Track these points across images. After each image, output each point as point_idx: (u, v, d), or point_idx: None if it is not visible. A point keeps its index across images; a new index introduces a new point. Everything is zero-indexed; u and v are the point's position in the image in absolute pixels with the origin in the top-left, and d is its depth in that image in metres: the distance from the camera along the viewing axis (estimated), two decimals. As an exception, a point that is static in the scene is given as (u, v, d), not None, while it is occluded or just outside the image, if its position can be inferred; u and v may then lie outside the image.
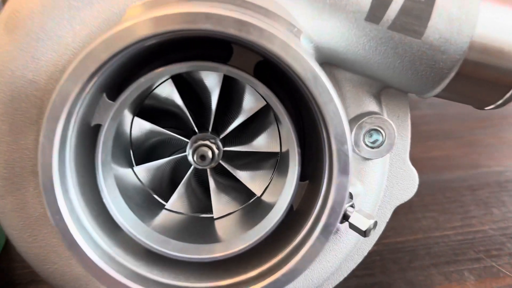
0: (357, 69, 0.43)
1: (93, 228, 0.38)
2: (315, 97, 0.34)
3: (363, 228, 0.40)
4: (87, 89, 0.35)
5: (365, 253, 0.50)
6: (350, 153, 0.35)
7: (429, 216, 0.67)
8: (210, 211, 0.46)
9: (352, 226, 0.41)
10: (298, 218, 0.40)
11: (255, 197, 0.47)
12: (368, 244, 0.50)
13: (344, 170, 0.35)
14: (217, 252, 0.38)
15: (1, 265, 0.61)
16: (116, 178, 0.40)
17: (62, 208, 0.35)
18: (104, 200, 0.38)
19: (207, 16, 0.33)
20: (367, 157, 0.45)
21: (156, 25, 0.33)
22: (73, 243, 0.35)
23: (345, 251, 0.46)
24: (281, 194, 0.40)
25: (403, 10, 0.37)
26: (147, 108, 0.45)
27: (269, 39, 0.33)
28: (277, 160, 0.47)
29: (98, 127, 0.39)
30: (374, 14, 0.38)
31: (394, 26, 0.38)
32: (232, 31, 0.33)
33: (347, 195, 0.36)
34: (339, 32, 0.39)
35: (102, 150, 0.37)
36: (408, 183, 0.49)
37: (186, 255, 0.38)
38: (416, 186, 0.50)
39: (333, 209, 0.36)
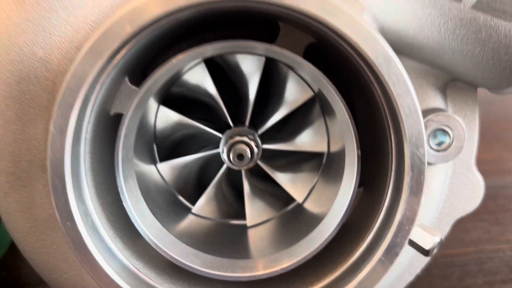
0: (425, 57, 0.36)
1: (110, 236, 0.32)
2: (387, 87, 0.28)
3: (427, 247, 0.34)
4: (107, 71, 0.29)
5: (418, 272, 0.43)
6: (426, 159, 0.29)
7: (480, 226, 0.60)
8: (242, 217, 0.40)
9: (412, 244, 0.34)
10: (350, 233, 0.34)
11: (294, 203, 0.40)
12: (421, 261, 0.43)
13: (418, 181, 0.29)
14: (257, 269, 0.32)
15: (8, 263, 0.56)
16: (137, 176, 0.34)
17: (75, 213, 0.29)
18: (125, 204, 0.32)
19: (258, -16, 0.26)
20: (431, 161, 0.38)
21: (195, -7, 0.26)
22: (87, 255, 0.30)
23: (398, 270, 0.40)
24: (332, 204, 0.33)
25: (493, -15, 0.30)
26: (174, 96, 0.39)
27: (333, 13, 0.27)
28: (322, 161, 0.40)
29: (117, 117, 0.33)
30: (457, -11, 0.31)
31: (480, 5, 0.31)
32: (287, 1, 0.26)
33: (420, 210, 0.29)
34: (410, 10, 0.32)
35: (123, 145, 0.31)
36: (471, 193, 0.42)
37: (220, 273, 0.32)
38: (481, 197, 0.43)
39: (401, 226, 0.29)
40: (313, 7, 0.26)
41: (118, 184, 0.32)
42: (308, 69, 0.31)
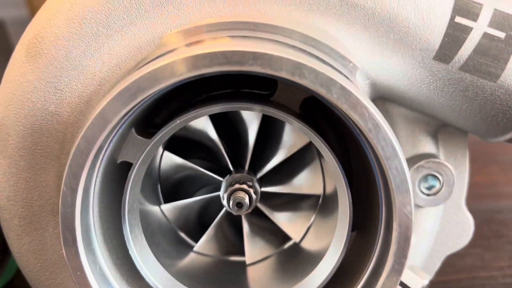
0: (416, 108, 0.38)
1: (117, 280, 0.34)
2: (376, 150, 0.30)
3: (416, 289, 0.36)
4: (115, 131, 0.31)
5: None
6: (413, 216, 0.30)
7: (473, 252, 0.61)
8: (241, 254, 0.42)
9: (402, 285, 0.36)
10: (343, 276, 0.36)
11: (291, 242, 0.42)
12: (413, 295, 0.45)
13: (406, 236, 0.30)
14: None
15: (16, 285, 0.58)
16: (144, 224, 0.36)
17: (85, 264, 0.31)
18: (131, 253, 0.34)
19: (255, 57, 0.28)
20: (421, 205, 0.40)
21: (196, 65, 0.28)
22: (94, 301, 0.32)
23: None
24: (328, 245, 0.35)
25: (478, 50, 0.32)
26: (178, 137, 0.41)
27: (325, 85, 0.28)
28: (319, 201, 0.42)
29: (124, 164, 0.35)
30: (445, 53, 0.32)
31: (467, 67, 0.33)
32: (284, 74, 0.28)
33: (407, 263, 0.31)
34: (401, 70, 0.34)
35: (129, 197, 0.33)
36: (462, 231, 0.44)
37: (217, 316, 0.34)
38: (471, 235, 0.45)
39: (389, 277, 0.31)
40: (307, 80, 0.28)
41: (125, 234, 0.34)
42: (300, 127, 0.33)
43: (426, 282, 0.36)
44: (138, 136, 0.35)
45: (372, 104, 0.30)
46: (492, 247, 0.63)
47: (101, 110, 0.29)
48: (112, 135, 0.31)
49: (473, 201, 0.72)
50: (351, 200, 0.35)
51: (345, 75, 0.30)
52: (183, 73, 0.28)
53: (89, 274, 0.31)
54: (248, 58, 0.28)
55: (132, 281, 0.35)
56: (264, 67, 0.28)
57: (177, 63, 0.28)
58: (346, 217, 0.35)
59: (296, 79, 0.28)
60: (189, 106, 0.35)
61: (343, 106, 0.29)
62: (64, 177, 0.30)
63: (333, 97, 0.29)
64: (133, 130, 0.35)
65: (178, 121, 0.32)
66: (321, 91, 0.29)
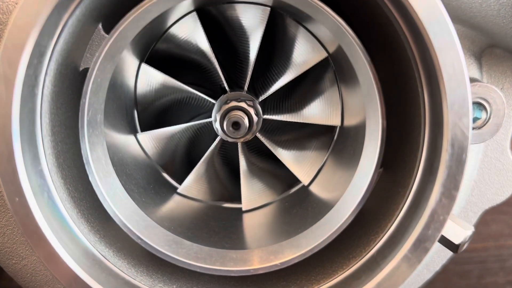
0: (463, 15, 0.30)
1: (73, 217, 0.26)
2: (426, 38, 0.22)
3: (457, 242, 0.28)
4: (69, 10, 0.23)
5: (438, 269, 0.38)
6: (471, 132, 0.23)
7: (500, 219, 0.55)
8: (237, 200, 0.34)
9: (441, 240, 0.28)
10: (366, 222, 0.28)
11: (299, 186, 0.34)
12: (443, 256, 0.37)
13: (459, 159, 0.23)
14: (252, 262, 0.26)
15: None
16: (111, 148, 0.28)
17: (26, 187, 0.23)
18: (90, 177, 0.26)
19: None
20: (463, 140, 0.32)
21: None
22: (40, 238, 0.24)
23: (418, 267, 0.34)
24: (346, 187, 0.27)
25: None
26: (159, 54, 0.33)
27: None
28: (334, 137, 0.34)
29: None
30: None
31: None
32: None
33: (458, 196, 0.23)
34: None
35: (90, 105, 0.25)
36: (504, 180, 0.37)
37: (205, 265, 0.26)
38: (515, 185, 0.37)
39: (434, 215, 0.24)
40: None
41: (83, 152, 0.26)
42: (326, 18, 0.25)
43: (469, 233, 0.28)
44: (106, 35, 0.27)
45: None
46: (520, 214, 0.56)
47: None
48: (66, 16, 0.23)
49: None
50: (385, 125, 0.27)
51: None
52: None
53: (32, 201, 0.23)
54: None
55: (94, 222, 0.28)
56: None
57: None
58: (375, 148, 0.27)
59: None
60: None
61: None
62: (-5, 63, 0.22)
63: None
64: (100, 26, 0.27)
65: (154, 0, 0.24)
66: None
